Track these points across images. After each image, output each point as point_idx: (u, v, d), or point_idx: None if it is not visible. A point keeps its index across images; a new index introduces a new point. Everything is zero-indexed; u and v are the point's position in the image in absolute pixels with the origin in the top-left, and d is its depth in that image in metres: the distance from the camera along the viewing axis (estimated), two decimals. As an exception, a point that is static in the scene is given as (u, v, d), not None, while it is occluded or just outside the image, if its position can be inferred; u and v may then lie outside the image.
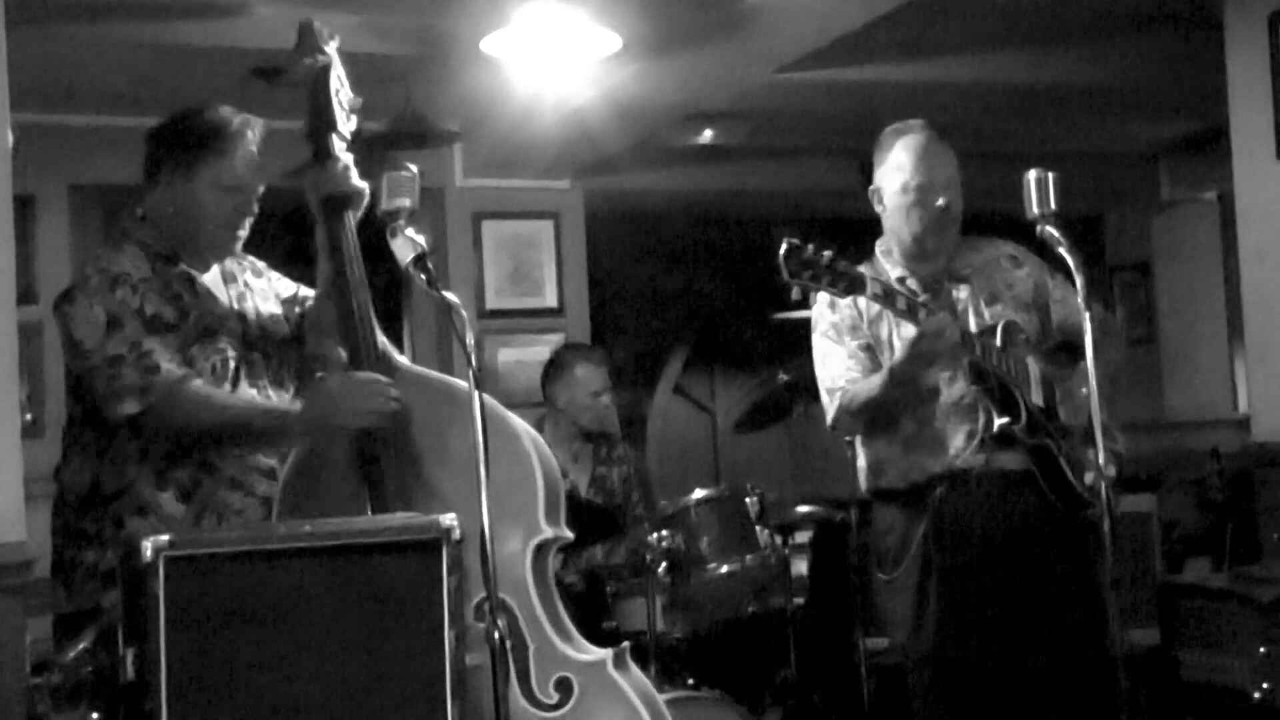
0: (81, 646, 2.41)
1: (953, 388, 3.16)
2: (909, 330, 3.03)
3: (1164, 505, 5.44)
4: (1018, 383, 3.10)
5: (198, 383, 2.71)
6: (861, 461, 3.36)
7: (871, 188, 3.30)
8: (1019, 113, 6.22)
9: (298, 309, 2.99)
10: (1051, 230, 2.74)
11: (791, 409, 4.57)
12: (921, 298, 3.03)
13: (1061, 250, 2.72)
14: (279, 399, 2.88)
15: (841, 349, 3.24)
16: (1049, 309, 3.33)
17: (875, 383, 3.14)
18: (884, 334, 3.22)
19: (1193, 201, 6.68)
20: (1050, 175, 2.78)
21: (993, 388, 3.10)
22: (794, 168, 7.09)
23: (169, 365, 2.68)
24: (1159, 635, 4.22)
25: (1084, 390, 3.18)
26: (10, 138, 2.96)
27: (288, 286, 3.03)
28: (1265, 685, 3.71)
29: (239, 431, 2.72)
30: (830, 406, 3.26)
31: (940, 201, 3.15)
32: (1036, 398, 3.13)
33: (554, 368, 4.77)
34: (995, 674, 3.15)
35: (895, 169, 3.23)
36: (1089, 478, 3.12)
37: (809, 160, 7.05)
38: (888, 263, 3.29)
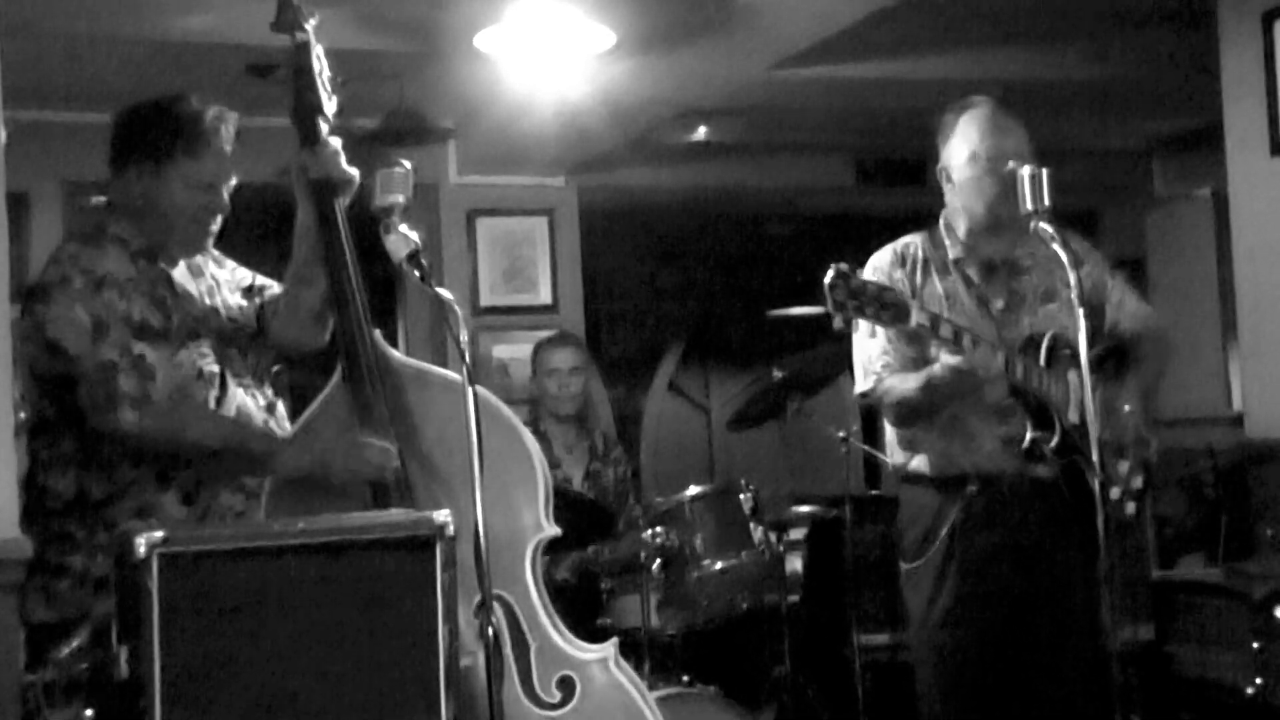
0: (75, 644, 2.40)
1: (994, 389, 3.13)
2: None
3: (1158, 501, 5.44)
4: (1056, 404, 3.07)
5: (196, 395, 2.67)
6: (891, 435, 3.34)
7: (938, 166, 3.26)
8: (1013, 109, 6.20)
9: (257, 299, 2.91)
10: (1045, 227, 2.74)
11: (786, 406, 4.56)
12: (967, 328, 2.99)
13: (1055, 247, 2.72)
14: (266, 396, 2.84)
15: (882, 330, 3.15)
16: (1104, 310, 3.29)
17: (911, 386, 3.13)
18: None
19: (1187, 198, 6.67)
20: (1044, 171, 2.77)
21: (1030, 401, 3.09)
22: (789, 164, 7.07)
23: (165, 373, 2.62)
24: (1153, 631, 4.23)
25: (1126, 408, 3.19)
26: (3, 134, 2.94)
27: (246, 276, 2.96)
28: (1258, 681, 3.71)
29: (231, 451, 2.65)
30: (863, 380, 3.25)
31: (1011, 166, 2.95)
32: (1074, 416, 3.07)
33: (532, 365, 4.90)
34: (995, 669, 3.15)
35: (963, 141, 3.20)
36: (1115, 493, 3.12)
37: (804, 157, 7.03)
38: (949, 239, 3.25)
